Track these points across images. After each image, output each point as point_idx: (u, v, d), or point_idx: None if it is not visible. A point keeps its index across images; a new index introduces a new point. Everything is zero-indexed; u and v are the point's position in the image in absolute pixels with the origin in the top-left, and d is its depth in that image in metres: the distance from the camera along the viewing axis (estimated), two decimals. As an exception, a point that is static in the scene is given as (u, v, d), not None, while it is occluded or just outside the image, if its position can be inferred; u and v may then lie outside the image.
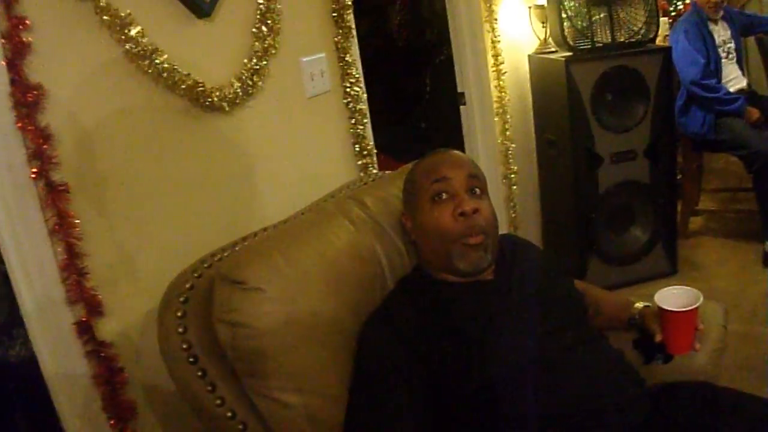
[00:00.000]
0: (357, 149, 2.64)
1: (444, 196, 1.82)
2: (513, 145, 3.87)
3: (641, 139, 3.87)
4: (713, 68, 4.25)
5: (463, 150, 3.77)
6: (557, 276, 2.07)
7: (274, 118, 2.24)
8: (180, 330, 1.59)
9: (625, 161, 3.86)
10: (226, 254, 1.75)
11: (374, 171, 2.68)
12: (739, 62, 4.52)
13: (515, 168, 3.91)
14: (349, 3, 2.50)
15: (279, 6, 2.19)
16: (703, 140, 4.39)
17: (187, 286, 1.64)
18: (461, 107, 3.73)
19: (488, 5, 3.57)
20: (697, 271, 4.24)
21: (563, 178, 3.91)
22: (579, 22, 3.60)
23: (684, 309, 1.75)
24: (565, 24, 3.57)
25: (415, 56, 4.45)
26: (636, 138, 3.86)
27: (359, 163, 2.66)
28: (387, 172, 2.42)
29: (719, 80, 4.30)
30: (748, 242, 4.52)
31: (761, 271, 4.14)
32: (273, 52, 2.18)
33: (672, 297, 1.80)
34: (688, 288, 1.82)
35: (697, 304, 1.75)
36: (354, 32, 2.56)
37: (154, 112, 1.85)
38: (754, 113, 4.22)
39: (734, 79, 4.45)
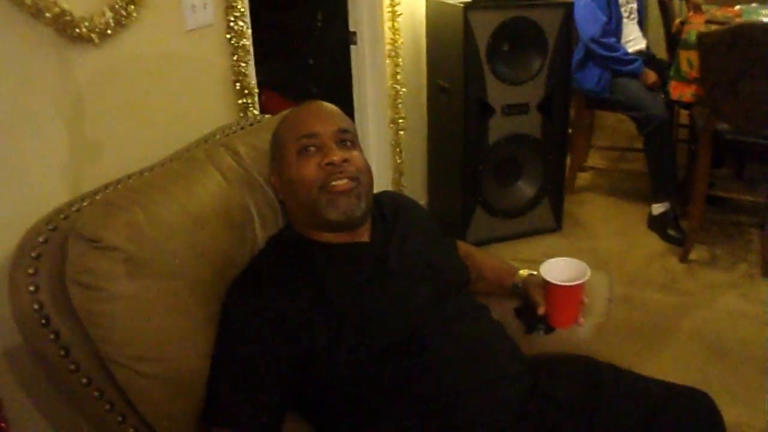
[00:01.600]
0: (238, 88, 2.48)
1: (312, 149, 1.72)
2: (403, 90, 3.75)
3: (535, 93, 3.85)
4: (614, 27, 4.25)
5: (350, 91, 3.65)
6: (440, 241, 2.02)
7: (148, 51, 2.05)
8: (31, 288, 1.43)
9: (518, 114, 3.85)
10: (85, 204, 1.59)
11: (255, 112, 2.53)
12: (640, 23, 4.54)
13: (404, 113, 3.79)
14: (238, -72, 2.32)
15: (159, -73, 1.99)
16: (597, 98, 4.40)
17: (41, 239, 1.48)
18: (352, 47, 3.59)
19: (386, -58, 3.42)
20: (582, 229, 4.32)
21: (453, 126, 3.84)
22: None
23: (570, 283, 1.72)
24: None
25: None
26: (530, 91, 3.84)
27: (239, 102, 2.50)
28: (265, 115, 2.27)
29: (619, 40, 4.30)
30: (633, 202, 4.63)
31: (645, 233, 4.26)
32: (153, -21, 1.98)
33: (558, 269, 1.77)
34: (575, 260, 1.79)
35: (584, 280, 1.72)
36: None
37: (14, 42, 1.64)
38: (651, 76, 4.25)
39: (634, 40, 4.47)
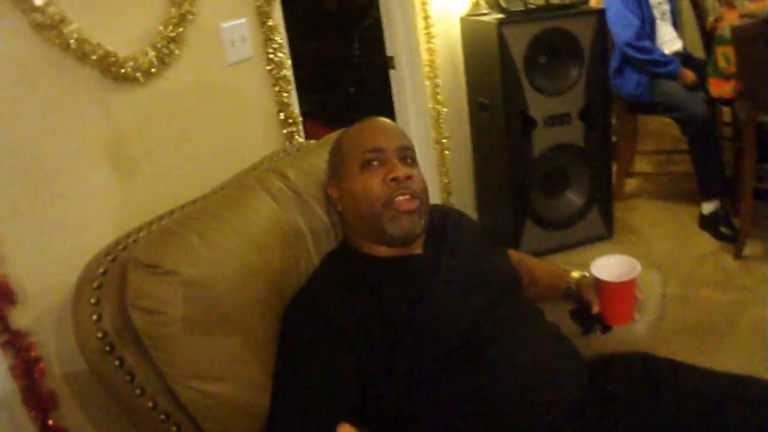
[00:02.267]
0: (282, 117, 2.54)
1: (375, 163, 1.76)
2: (444, 110, 3.80)
3: (575, 102, 3.84)
4: (648, 30, 4.24)
5: (393, 115, 3.72)
6: (490, 249, 2.04)
7: (192, 88, 2.12)
8: (94, 318, 1.48)
9: (560, 124, 3.84)
10: (141, 235, 1.65)
11: (300, 140, 2.59)
12: (674, 24, 4.53)
13: (447, 133, 3.83)
14: (271, -36, 2.39)
15: (196, -32, 2.07)
16: (637, 102, 4.39)
17: (101, 270, 1.53)
18: (391, 71, 3.65)
19: (417, -34, 3.48)
20: (633, 234, 4.27)
21: (497, 142, 3.85)
22: (511, -17, 3.53)
23: (621, 280, 1.71)
24: (497, -15, 3.49)
25: (343, 20, 4.34)
26: (570, 101, 3.83)
27: (284, 131, 2.56)
28: (311, 141, 2.33)
29: (654, 42, 4.29)
30: (683, 204, 4.57)
31: (697, 233, 4.20)
32: (190, 18, 2.06)
33: (608, 266, 1.75)
34: (625, 256, 1.77)
35: (635, 275, 1.71)
36: (277, -4, 2.46)
37: (63, 85, 1.73)
38: (689, 75, 4.22)
39: (669, 41, 4.45)
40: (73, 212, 1.76)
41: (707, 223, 4.17)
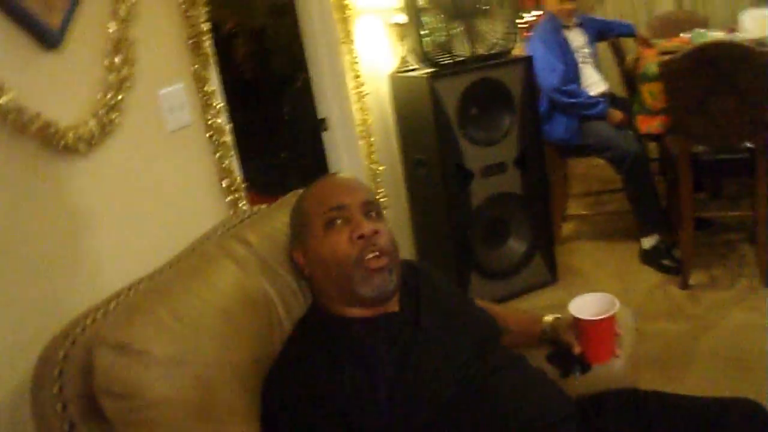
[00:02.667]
0: (224, 185, 2.44)
1: (339, 222, 1.67)
2: (380, 168, 3.74)
3: (510, 151, 3.85)
4: (572, 74, 4.31)
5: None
6: (463, 299, 1.99)
7: (134, 157, 2.01)
8: (58, 408, 1.35)
9: (496, 174, 3.84)
10: (100, 314, 1.51)
11: (244, 206, 2.49)
12: (597, 67, 4.60)
13: (384, 191, 3.77)
14: (206, 29, 2.31)
15: (133, 34, 1.97)
16: (568, 146, 4.43)
17: (61, 355, 1.39)
18: (323, 133, 3.58)
19: (345, 26, 3.45)
20: (578, 277, 4.27)
21: (435, 196, 3.81)
22: (438, 37, 3.51)
23: (602, 317, 1.70)
24: (424, 40, 3.48)
25: (262, 88, 4.29)
26: (505, 149, 3.83)
27: (227, 200, 2.46)
28: (263, 206, 2.23)
29: (579, 85, 4.34)
30: (621, 242, 4.62)
31: (640, 269, 4.24)
32: (128, 84, 1.95)
33: (586, 305, 1.75)
34: (600, 293, 1.78)
35: (614, 311, 1.70)
36: (212, 60, 2.37)
37: (0, 158, 1.60)
38: (617, 115, 4.30)
39: (594, 83, 4.53)
40: (15, 292, 1.60)
41: (649, 258, 4.20)
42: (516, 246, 4.05)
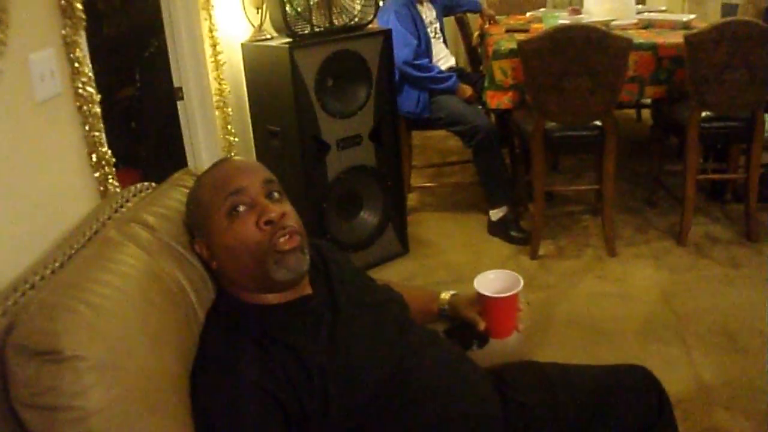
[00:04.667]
0: (94, 159, 2.26)
1: (242, 208, 1.57)
2: (236, 140, 3.61)
3: (366, 123, 3.84)
4: (424, 48, 4.31)
5: (183, 148, 3.46)
6: (368, 277, 1.97)
7: (5, 130, 1.81)
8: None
9: (352, 146, 3.80)
10: None
11: (115, 184, 2.31)
12: (445, 42, 4.64)
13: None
14: (78, -11, 2.11)
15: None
16: (418, 119, 4.42)
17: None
18: (179, 103, 3.40)
19: (204, -8, 3.28)
20: (428, 248, 4.32)
21: (290, 169, 3.72)
22: (297, 6, 3.40)
23: (508, 294, 1.75)
24: (287, 8, 3.35)
25: (123, 48, 4.03)
26: (361, 122, 3.81)
27: (96, 175, 2.27)
28: (145, 183, 2.08)
29: (431, 60, 4.35)
30: (466, 214, 4.74)
31: (488, 240, 4.36)
32: (2, 48, 1.75)
33: (490, 282, 1.79)
34: (503, 271, 1.84)
35: (519, 288, 1.76)
36: (84, 24, 2.17)
37: None
38: (467, 90, 4.36)
39: (444, 58, 4.59)
40: None
41: (498, 229, 4.31)
42: (369, 218, 4.05)
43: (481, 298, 1.77)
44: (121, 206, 1.87)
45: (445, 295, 1.97)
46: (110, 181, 2.30)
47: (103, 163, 2.27)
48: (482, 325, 1.79)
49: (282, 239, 1.56)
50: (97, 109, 2.24)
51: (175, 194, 1.81)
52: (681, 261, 3.91)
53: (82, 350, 1.19)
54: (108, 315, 1.29)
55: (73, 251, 1.59)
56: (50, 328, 1.20)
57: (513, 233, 4.22)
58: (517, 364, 1.90)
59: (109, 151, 2.31)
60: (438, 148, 5.87)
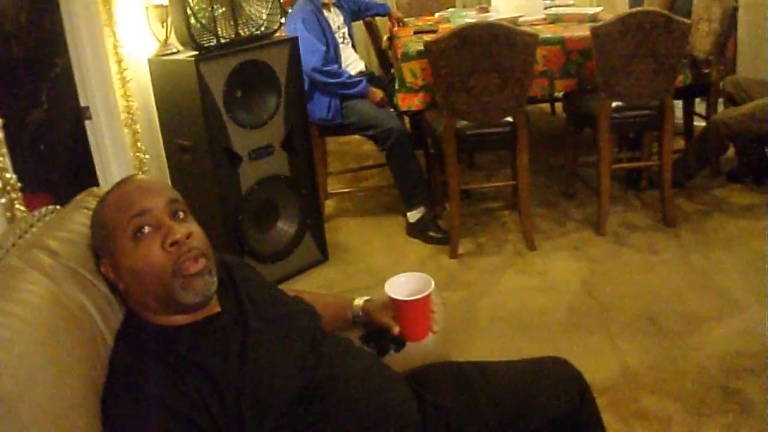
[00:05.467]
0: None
1: (147, 229, 1.55)
2: (146, 157, 3.55)
3: (277, 132, 3.83)
4: (333, 54, 4.32)
5: (93, 168, 3.40)
6: (277, 290, 1.95)
7: None
8: None
9: (264, 156, 3.80)
10: None
11: (21, 208, 2.25)
12: (354, 47, 4.64)
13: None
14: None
15: None
16: (330, 125, 4.44)
17: None
18: (86, 122, 3.35)
19: (107, 8, 3.23)
20: (347, 253, 4.34)
21: (203, 183, 3.70)
22: (202, 18, 3.36)
23: (419, 296, 1.74)
24: (191, 21, 3.31)
25: (28, 71, 3.92)
26: (272, 132, 3.81)
27: (2, 201, 2.22)
28: (56, 206, 2.02)
29: (340, 65, 4.35)
30: (384, 217, 4.78)
31: (407, 241, 4.39)
32: None
33: (400, 286, 1.79)
34: (414, 273, 1.82)
35: (431, 289, 1.75)
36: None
37: None
38: (378, 93, 4.38)
39: (353, 63, 4.61)
40: None
41: (416, 230, 4.35)
42: (286, 228, 4.04)
43: (393, 302, 1.77)
44: (26, 232, 1.81)
45: (359, 302, 1.97)
46: (16, 206, 2.25)
47: (9, 188, 2.23)
48: (396, 330, 1.79)
49: (188, 262, 1.54)
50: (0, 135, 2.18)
51: (78, 217, 1.77)
52: (600, 250, 3.99)
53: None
54: (9, 346, 1.27)
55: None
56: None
57: (432, 233, 4.26)
58: (436, 365, 1.91)
59: (14, 176, 2.26)
60: (354, 153, 5.88)
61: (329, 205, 4.99)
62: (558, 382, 1.81)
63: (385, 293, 1.77)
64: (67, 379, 1.34)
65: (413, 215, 4.32)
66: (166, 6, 3.52)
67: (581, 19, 4.57)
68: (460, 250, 4.08)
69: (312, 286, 3.89)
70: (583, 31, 4.03)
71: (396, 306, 1.77)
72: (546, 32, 4.15)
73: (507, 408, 1.74)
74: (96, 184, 3.37)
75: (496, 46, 3.56)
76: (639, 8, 3.93)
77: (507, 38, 3.57)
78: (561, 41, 4.04)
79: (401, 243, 4.36)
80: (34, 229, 1.81)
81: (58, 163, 3.89)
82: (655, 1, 5.19)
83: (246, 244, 3.80)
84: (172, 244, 1.53)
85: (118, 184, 1.69)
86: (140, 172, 3.53)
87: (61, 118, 3.78)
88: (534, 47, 3.66)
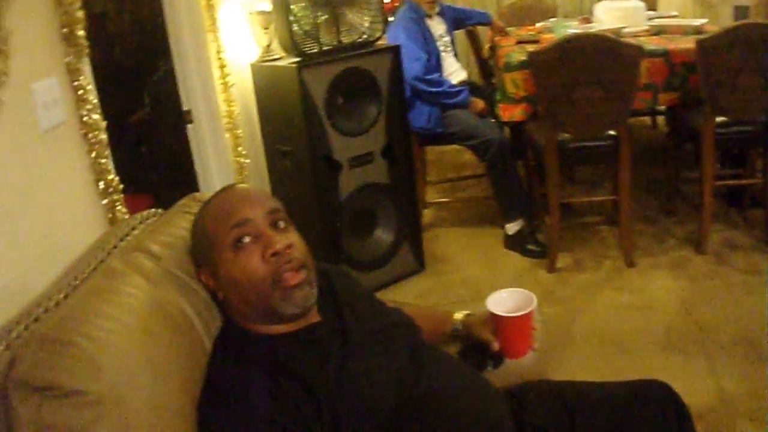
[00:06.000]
0: (101, 187, 2.24)
1: (247, 239, 1.54)
2: (247, 161, 3.60)
3: (377, 140, 3.80)
4: (435, 63, 4.30)
5: (194, 171, 3.46)
6: (378, 301, 1.91)
7: (8, 160, 1.79)
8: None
9: (364, 164, 3.77)
10: (1, 348, 1.30)
11: (122, 209, 2.29)
12: (456, 55, 4.61)
13: (251, 185, 3.63)
14: (81, 17, 2.10)
15: (6, 23, 1.75)
16: (430, 134, 4.40)
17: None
18: (188, 126, 3.39)
19: (210, 13, 3.28)
20: (444, 264, 4.28)
21: (302, 189, 3.71)
22: (305, 25, 3.39)
23: (522, 313, 1.71)
24: (294, 27, 3.34)
25: (132, 73, 4.03)
26: (372, 139, 3.78)
27: (104, 202, 2.26)
28: (151, 210, 2.06)
29: (441, 74, 4.33)
30: (481, 228, 4.69)
31: (505, 254, 4.31)
32: (4, 78, 1.74)
33: (503, 301, 1.76)
34: (516, 289, 1.79)
35: (534, 306, 1.72)
36: (87, 51, 2.16)
37: None
38: (479, 103, 4.33)
39: (455, 72, 4.56)
40: None
41: (514, 243, 4.27)
42: (383, 236, 4.01)
43: (494, 317, 1.74)
44: (127, 234, 1.85)
45: (458, 316, 1.93)
46: (118, 208, 2.29)
47: (111, 190, 2.26)
48: (496, 346, 1.75)
49: (287, 273, 1.53)
50: (104, 136, 2.23)
51: (180, 221, 1.79)
52: (701, 270, 3.84)
53: (82, 385, 1.17)
54: (110, 348, 1.27)
55: (77, 282, 1.57)
56: (50, 363, 1.19)
57: (530, 247, 4.18)
58: (532, 384, 1.88)
59: (117, 178, 2.30)
60: (453, 163, 5.84)
61: (427, 215, 4.95)
62: (657, 406, 1.75)
63: (486, 308, 1.75)
64: (166, 383, 1.35)
65: (511, 227, 4.26)
66: (269, 12, 3.55)
67: (685, 31, 4.44)
68: (558, 265, 3.99)
69: (407, 296, 3.88)
70: (688, 43, 3.90)
71: (497, 322, 1.74)
72: (650, 44, 4.05)
73: (604, 431, 1.70)
74: (196, 187, 3.42)
75: (600, 58, 3.48)
76: (746, 21, 3.81)
77: (611, 50, 3.49)
78: (665, 53, 3.93)
79: (498, 255, 4.29)
80: (135, 232, 1.85)
81: (159, 165, 3.98)
82: (762, 12, 5.03)
83: (343, 251, 3.79)
84: (272, 255, 1.52)
85: (219, 192, 1.69)
86: (240, 177, 3.56)
87: (163, 121, 3.86)
88: (638, 59, 3.57)
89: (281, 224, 1.61)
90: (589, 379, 1.94)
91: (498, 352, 1.77)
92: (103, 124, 2.24)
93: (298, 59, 3.46)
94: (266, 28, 3.64)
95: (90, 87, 2.19)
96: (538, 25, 5.17)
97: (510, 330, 1.74)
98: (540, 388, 1.85)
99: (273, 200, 1.67)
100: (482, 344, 1.80)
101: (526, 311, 1.71)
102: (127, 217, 2.19)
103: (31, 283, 1.66)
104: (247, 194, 1.68)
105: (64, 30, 2.08)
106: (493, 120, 4.32)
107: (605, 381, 1.89)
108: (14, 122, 1.82)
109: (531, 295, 1.75)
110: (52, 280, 1.71)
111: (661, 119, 6.06)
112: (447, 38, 4.59)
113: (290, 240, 1.58)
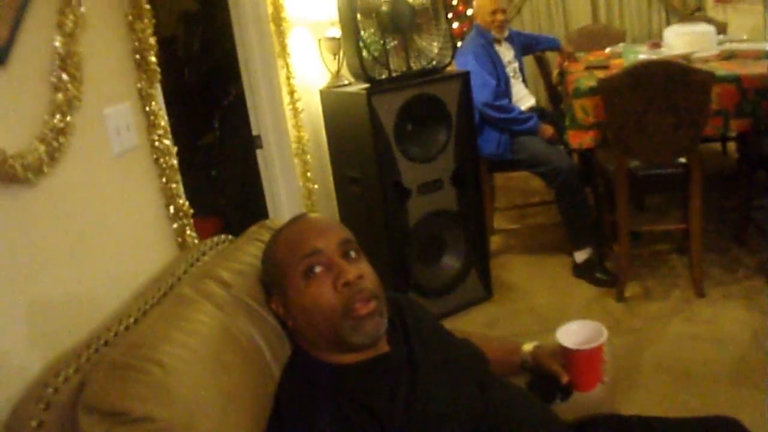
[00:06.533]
0: (172, 211, 2.26)
1: (318, 269, 1.53)
2: (315, 187, 3.60)
3: (446, 167, 3.76)
4: (503, 89, 4.26)
5: (263, 196, 3.48)
6: (447, 332, 1.87)
7: (83, 185, 1.80)
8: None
9: (433, 191, 3.74)
10: (72, 371, 1.32)
11: (192, 234, 2.31)
12: (524, 81, 4.58)
13: (319, 211, 3.64)
14: (153, 42, 2.12)
15: (80, 49, 1.77)
16: (499, 160, 4.36)
17: (34, 424, 1.20)
18: (258, 151, 3.41)
19: (280, 39, 3.30)
20: (512, 292, 4.22)
21: (371, 215, 3.69)
22: (374, 52, 3.39)
23: (592, 346, 1.68)
24: (363, 54, 3.34)
25: (201, 97, 4.08)
26: (441, 166, 3.75)
27: (174, 226, 2.27)
28: (221, 236, 2.07)
29: (510, 100, 4.31)
30: (550, 256, 4.61)
31: (573, 282, 4.22)
32: (77, 104, 1.75)
33: (573, 334, 1.73)
34: (586, 321, 1.77)
35: (603, 339, 1.69)
36: (159, 77, 2.18)
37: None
38: (548, 130, 4.28)
39: (523, 98, 4.53)
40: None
41: (583, 271, 4.18)
42: (451, 263, 3.96)
43: (564, 350, 1.71)
44: (198, 260, 1.86)
45: (527, 347, 1.90)
46: (188, 232, 2.30)
47: (181, 214, 2.28)
48: (565, 378, 1.72)
49: (358, 303, 1.52)
50: (174, 161, 2.25)
51: (251, 249, 1.79)
52: (773, 300, 3.72)
53: (151, 412, 1.16)
54: (179, 376, 1.26)
55: (147, 307, 1.58)
56: (120, 389, 1.18)
57: (598, 275, 4.10)
58: (601, 417, 1.83)
59: (187, 203, 2.31)
60: (521, 189, 5.78)
61: (494, 241, 4.89)
62: None
63: (555, 340, 1.72)
64: (235, 411, 1.33)
65: (580, 255, 4.18)
66: (339, 39, 3.56)
67: (757, 56, 4.32)
68: (627, 294, 3.88)
69: (475, 324, 3.83)
70: (760, 68, 3.79)
71: (567, 354, 1.70)
72: (720, 69, 3.95)
73: None
74: (264, 211, 3.44)
75: (671, 85, 3.40)
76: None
77: (682, 77, 3.41)
78: (736, 79, 3.82)
79: (566, 283, 4.21)
80: (206, 258, 1.85)
81: (228, 189, 4.01)
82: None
83: (411, 277, 3.76)
84: (343, 285, 1.51)
85: (291, 222, 1.70)
86: (309, 202, 3.58)
87: (232, 145, 3.90)
88: (709, 86, 3.48)
89: (352, 254, 1.60)
90: (657, 411, 1.89)
91: (567, 385, 1.73)
92: (174, 149, 2.26)
93: (367, 85, 3.45)
94: (336, 54, 3.65)
95: (161, 112, 2.21)
96: (607, 50, 5.10)
97: (580, 363, 1.71)
98: (608, 422, 1.81)
99: (344, 230, 1.66)
100: (551, 377, 1.76)
101: (597, 344, 1.68)
102: (196, 240, 2.20)
103: (102, 304, 1.67)
104: (319, 224, 1.67)
105: (137, 56, 2.10)
106: (562, 147, 4.27)
107: (676, 417, 1.82)
108: (87, 147, 1.83)
109: (601, 327, 1.72)
110: (122, 302, 1.72)
111: (731, 145, 5.92)
112: (516, 64, 4.56)
113: (361, 270, 1.57)
